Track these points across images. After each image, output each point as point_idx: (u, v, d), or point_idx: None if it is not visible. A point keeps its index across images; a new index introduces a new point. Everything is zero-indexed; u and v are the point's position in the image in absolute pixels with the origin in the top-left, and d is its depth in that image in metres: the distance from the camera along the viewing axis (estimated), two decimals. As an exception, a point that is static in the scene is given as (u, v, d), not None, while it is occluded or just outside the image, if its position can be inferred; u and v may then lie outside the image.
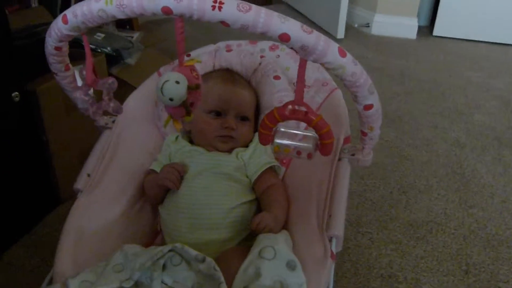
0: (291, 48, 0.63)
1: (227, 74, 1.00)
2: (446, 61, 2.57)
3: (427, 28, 3.08)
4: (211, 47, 1.12)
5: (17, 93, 1.10)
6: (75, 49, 0.87)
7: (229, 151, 0.92)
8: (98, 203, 0.86)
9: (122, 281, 0.67)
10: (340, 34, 2.79)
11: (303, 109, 0.69)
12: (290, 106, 0.71)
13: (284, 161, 0.97)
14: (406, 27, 2.92)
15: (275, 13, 0.60)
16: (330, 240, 0.75)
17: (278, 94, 0.98)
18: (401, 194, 1.42)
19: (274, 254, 0.69)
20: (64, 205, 1.29)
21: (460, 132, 1.80)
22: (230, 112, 0.93)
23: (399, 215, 1.32)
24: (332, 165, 0.86)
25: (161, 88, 0.65)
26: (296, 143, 0.72)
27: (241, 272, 0.68)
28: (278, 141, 0.73)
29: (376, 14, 2.95)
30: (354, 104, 0.72)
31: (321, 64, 0.64)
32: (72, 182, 0.89)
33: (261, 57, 1.07)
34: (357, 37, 2.90)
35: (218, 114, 0.93)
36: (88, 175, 0.90)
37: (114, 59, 1.53)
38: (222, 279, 0.66)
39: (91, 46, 1.51)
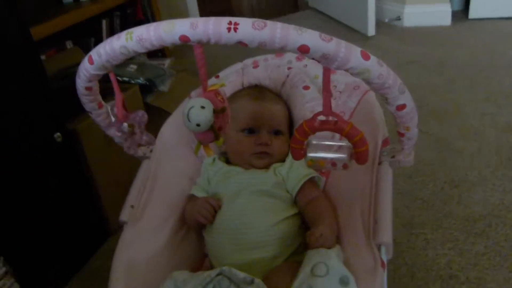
0: (312, 58, 0.62)
1: (255, 91, 1.00)
2: (486, 43, 2.46)
3: (461, 12, 2.96)
4: (238, 66, 1.12)
5: (59, 133, 1.14)
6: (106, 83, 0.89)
7: (266, 167, 0.91)
8: (144, 233, 0.87)
9: None
10: (371, 31, 2.74)
11: (334, 118, 0.68)
12: (319, 117, 0.69)
13: (324, 171, 0.95)
14: (439, 14, 2.82)
15: (291, 26, 0.59)
16: (379, 248, 0.73)
17: (309, 104, 0.97)
18: (452, 189, 1.36)
19: (327, 271, 0.68)
20: (114, 237, 1.33)
21: (510, 116, 1.70)
22: (262, 128, 0.93)
23: (453, 211, 1.26)
24: (372, 170, 0.83)
25: (187, 114, 0.65)
26: (329, 155, 0.70)
27: None
28: (310, 154, 0.72)
29: (406, 5, 2.87)
30: (386, 106, 0.69)
31: (345, 70, 0.62)
32: (119, 214, 0.91)
33: (288, 68, 1.06)
34: (389, 32, 2.83)
35: (251, 131, 0.93)
36: (132, 207, 0.91)
37: (148, 88, 1.57)
38: None
39: (124, 79, 1.57)
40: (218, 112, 0.68)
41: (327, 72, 0.64)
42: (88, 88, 0.79)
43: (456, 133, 1.64)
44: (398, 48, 2.54)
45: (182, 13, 2.95)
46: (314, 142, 0.72)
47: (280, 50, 0.60)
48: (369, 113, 0.93)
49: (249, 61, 1.12)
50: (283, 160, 0.93)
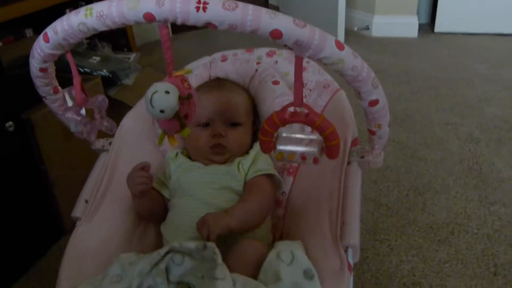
0: (285, 45, 0.58)
1: (215, 82, 0.96)
2: (451, 56, 2.51)
3: (428, 25, 3.03)
4: (206, 59, 1.08)
5: (11, 122, 1.07)
6: (67, 74, 0.83)
7: (226, 162, 0.87)
8: (98, 230, 0.82)
9: None
10: (340, 39, 2.74)
11: (304, 110, 0.65)
12: (290, 109, 0.66)
13: (291, 170, 0.92)
14: (406, 26, 2.87)
15: (264, 9, 0.56)
16: (346, 251, 0.70)
17: (278, 99, 0.93)
18: (417, 196, 1.36)
19: (292, 259, 0.67)
20: (67, 235, 1.24)
21: (473, 126, 1.73)
22: (217, 119, 0.88)
23: (417, 218, 1.26)
24: (341, 170, 0.81)
25: (150, 99, 0.61)
26: (300, 148, 0.67)
27: (262, 273, 0.67)
28: (280, 147, 0.68)
29: (375, 15, 2.91)
30: (358, 101, 0.67)
31: (318, 60, 0.60)
32: (73, 209, 0.85)
33: (258, 63, 1.02)
34: (358, 40, 2.86)
35: (207, 124, 0.89)
36: (86, 202, 0.86)
37: (111, 81, 1.50)
38: (220, 261, 0.63)
39: (86, 69, 1.50)
40: (184, 98, 0.64)
41: (299, 61, 0.62)
42: (42, 70, 0.73)
43: (420, 142, 1.65)
44: (367, 57, 2.56)
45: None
46: (284, 134, 0.69)
47: (251, 33, 0.57)
48: (339, 112, 0.90)
49: (217, 55, 1.08)
50: (245, 153, 0.89)
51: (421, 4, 3.00)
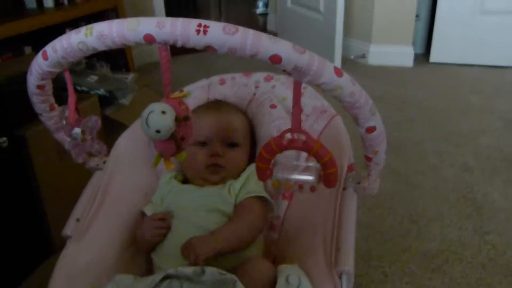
0: (284, 70, 0.59)
1: (213, 103, 0.97)
2: (445, 87, 2.55)
3: (423, 55, 3.07)
4: (205, 82, 1.08)
5: (4, 138, 1.06)
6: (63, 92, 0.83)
7: (221, 182, 0.87)
8: (89, 250, 0.80)
9: None
10: (337, 66, 2.78)
11: (302, 137, 0.65)
12: (287, 135, 0.66)
13: (286, 195, 0.91)
14: (402, 55, 2.91)
15: (264, 34, 0.56)
16: (340, 277, 0.69)
17: (275, 123, 0.93)
18: (411, 223, 1.35)
19: (299, 282, 0.68)
20: (57, 254, 1.22)
21: (467, 156, 1.74)
22: (215, 139, 0.88)
23: (411, 246, 1.25)
24: (337, 195, 0.80)
25: (146, 119, 0.61)
26: (297, 177, 0.66)
27: None
28: (277, 175, 0.68)
29: (371, 44, 2.95)
30: (355, 127, 0.67)
31: (317, 85, 0.60)
32: (64, 228, 0.84)
33: (256, 87, 1.03)
34: (354, 68, 2.89)
35: (204, 144, 0.88)
36: (78, 220, 0.84)
37: (108, 100, 1.51)
38: (235, 277, 0.64)
39: (83, 88, 1.50)
40: (181, 120, 0.64)
41: (297, 87, 0.62)
42: (40, 87, 0.73)
43: (414, 169, 1.66)
44: (362, 84, 2.54)
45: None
46: (281, 161, 0.68)
47: (251, 58, 0.57)
48: (335, 137, 0.90)
49: (216, 78, 1.09)
50: (238, 176, 0.88)
51: (417, 35, 3.05)
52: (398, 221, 1.36)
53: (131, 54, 2.32)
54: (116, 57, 2.23)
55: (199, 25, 0.56)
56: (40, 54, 0.67)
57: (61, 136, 0.81)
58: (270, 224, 0.89)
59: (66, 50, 0.63)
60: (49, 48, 0.65)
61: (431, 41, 2.97)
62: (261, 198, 0.84)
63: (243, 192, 0.83)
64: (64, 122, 0.78)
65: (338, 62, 2.80)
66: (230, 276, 0.65)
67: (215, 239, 0.74)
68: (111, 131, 1.17)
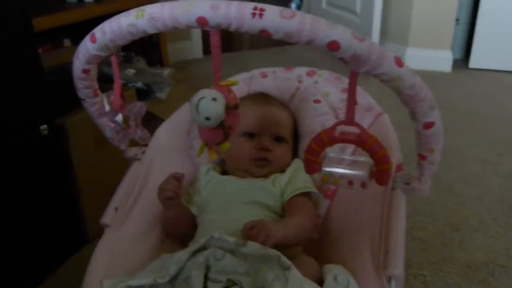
0: (341, 58, 0.56)
1: (259, 95, 0.94)
2: (485, 93, 2.45)
3: (462, 60, 2.98)
4: (246, 75, 1.06)
5: (45, 126, 1.06)
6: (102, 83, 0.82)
7: (265, 176, 0.84)
8: (126, 239, 0.79)
9: (158, 277, 0.62)
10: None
11: (356, 130, 0.62)
12: (340, 127, 0.63)
13: (329, 193, 0.88)
14: (440, 60, 2.83)
15: (322, 19, 0.54)
16: (389, 281, 0.65)
17: (320, 118, 0.90)
18: (453, 232, 1.29)
19: (347, 283, 0.65)
20: (90, 245, 1.22)
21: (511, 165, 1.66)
22: (264, 132, 0.85)
23: (454, 256, 1.19)
24: (384, 195, 0.77)
25: (197, 105, 0.58)
26: (348, 171, 0.63)
27: None
28: (327, 169, 0.65)
29: (408, 48, 2.88)
30: (412, 122, 0.63)
31: (375, 75, 0.57)
32: (100, 219, 0.83)
33: (299, 81, 1.00)
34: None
35: (252, 136, 0.86)
36: (116, 209, 0.83)
37: (144, 93, 1.51)
38: (278, 252, 0.62)
39: (121, 81, 1.49)
40: (231, 108, 0.62)
41: (354, 77, 0.59)
42: (85, 71, 0.72)
43: (456, 177, 1.59)
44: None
45: (185, 33, 2.92)
46: (331, 154, 0.65)
47: (307, 44, 0.54)
48: (382, 135, 0.85)
49: (256, 72, 1.06)
50: (282, 171, 0.85)
51: (456, 39, 2.96)
52: (439, 229, 1.30)
53: (166, 49, 2.32)
54: (151, 52, 2.24)
55: (255, 8, 0.53)
56: (88, 37, 0.66)
57: (103, 122, 0.80)
58: (311, 223, 0.86)
59: (115, 32, 0.61)
60: (97, 31, 0.64)
61: (470, 46, 2.87)
62: (309, 194, 0.81)
63: (291, 187, 0.80)
64: (108, 107, 0.77)
65: (374, 65, 2.75)
66: (273, 251, 0.62)
67: (286, 228, 0.71)
68: (147, 124, 1.17)
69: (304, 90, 0.97)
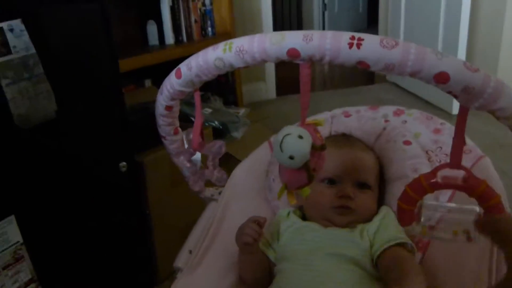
0: (449, 92, 0.49)
1: (342, 138, 0.88)
2: None
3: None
4: (327, 114, 1.01)
5: (124, 163, 1.07)
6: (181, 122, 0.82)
7: (349, 225, 0.76)
8: (198, 285, 0.74)
9: None
10: (456, 109, 2.57)
11: (462, 174, 0.54)
12: (442, 172, 0.56)
13: (420, 245, 0.78)
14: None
15: (428, 49, 0.48)
16: None
17: (411, 161, 0.82)
18: None
19: None
20: (160, 286, 1.20)
21: None
22: (346, 178, 0.78)
23: None
24: (491, 252, 0.66)
25: (281, 142, 0.54)
26: (456, 221, 0.55)
27: None
28: (427, 221, 0.57)
29: (497, 75, 2.69)
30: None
31: (489, 111, 0.50)
32: (172, 261, 0.80)
33: (386, 121, 0.93)
34: (474, 111, 2.64)
35: (333, 182, 0.79)
36: (190, 252, 0.80)
37: (220, 132, 1.51)
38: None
39: (199, 119, 1.51)
40: (317, 149, 0.57)
41: (464, 113, 0.52)
42: (168, 108, 0.71)
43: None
44: (486, 129, 2.34)
45: (260, 74, 2.96)
46: (430, 202, 0.58)
47: (410, 76, 0.49)
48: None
49: (338, 111, 1.01)
50: (368, 220, 0.77)
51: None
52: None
53: (241, 90, 2.35)
54: (226, 93, 2.28)
55: (352, 37, 0.49)
56: (173, 72, 0.65)
57: (181, 161, 0.78)
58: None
59: (201, 67, 0.60)
60: (183, 66, 0.63)
61: None
62: (405, 246, 0.72)
63: (382, 237, 0.72)
64: (186, 146, 0.75)
65: (457, 105, 2.56)
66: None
67: None
68: (222, 164, 1.15)
69: (391, 130, 0.89)
